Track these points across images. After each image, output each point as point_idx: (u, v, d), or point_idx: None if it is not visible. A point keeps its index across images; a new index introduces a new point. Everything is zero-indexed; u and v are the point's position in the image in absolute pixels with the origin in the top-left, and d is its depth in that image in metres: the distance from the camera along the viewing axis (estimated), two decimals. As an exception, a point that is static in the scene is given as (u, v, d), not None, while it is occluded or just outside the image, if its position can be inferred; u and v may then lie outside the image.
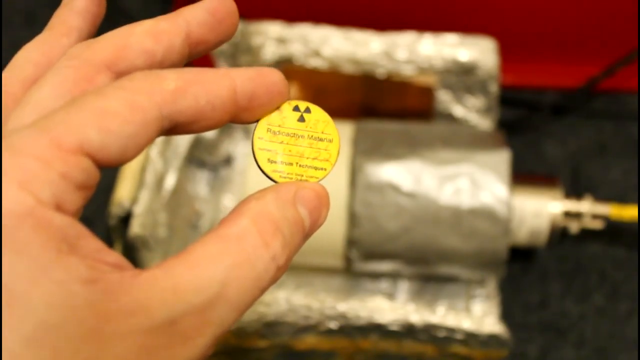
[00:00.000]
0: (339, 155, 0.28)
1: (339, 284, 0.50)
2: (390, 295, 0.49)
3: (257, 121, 0.27)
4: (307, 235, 0.26)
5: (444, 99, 0.51)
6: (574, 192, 0.55)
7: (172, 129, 0.25)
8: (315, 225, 0.26)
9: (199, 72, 0.26)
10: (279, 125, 0.27)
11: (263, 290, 0.24)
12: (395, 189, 0.46)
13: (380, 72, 0.50)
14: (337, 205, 0.47)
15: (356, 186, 0.46)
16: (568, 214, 0.49)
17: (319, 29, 0.50)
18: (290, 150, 0.27)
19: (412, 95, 0.51)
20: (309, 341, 0.47)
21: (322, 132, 0.28)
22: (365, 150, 0.47)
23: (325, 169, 0.28)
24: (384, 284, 0.50)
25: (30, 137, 0.22)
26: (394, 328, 0.46)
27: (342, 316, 0.46)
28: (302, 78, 0.51)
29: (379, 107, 0.52)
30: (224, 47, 0.51)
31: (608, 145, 0.59)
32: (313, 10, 0.55)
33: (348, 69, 0.50)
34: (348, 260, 0.48)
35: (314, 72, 0.51)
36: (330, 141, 0.28)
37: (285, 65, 0.51)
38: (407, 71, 0.50)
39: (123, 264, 0.23)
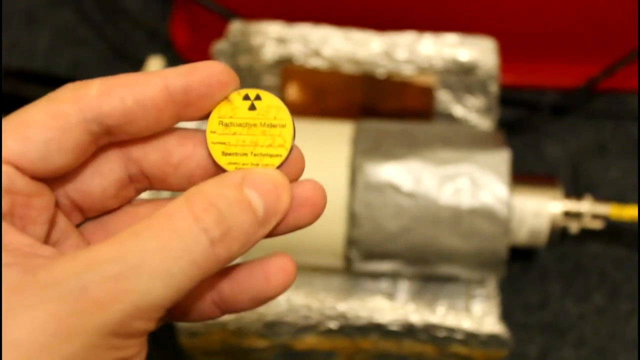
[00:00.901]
0: (294, 139, 0.27)
1: (339, 284, 0.50)
2: (390, 295, 0.49)
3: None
4: (263, 219, 0.26)
5: (444, 99, 0.51)
6: (574, 192, 0.55)
7: (109, 132, 0.26)
8: (273, 209, 0.26)
9: (129, 75, 0.26)
10: (230, 117, 0.27)
11: (199, 265, 0.24)
12: (395, 189, 0.46)
13: (380, 72, 0.50)
14: (337, 205, 0.47)
15: (356, 186, 0.46)
16: (568, 214, 0.49)
17: (319, 29, 0.50)
18: (243, 141, 0.27)
19: (412, 95, 0.51)
20: (309, 341, 0.47)
21: (275, 118, 0.27)
22: (365, 150, 0.47)
23: (280, 155, 0.27)
24: (384, 284, 0.50)
25: None
26: (394, 328, 0.46)
27: (342, 316, 0.46)
28: (302, 78, 0.51)
29: (379, 107, 0.52)
30: (224, 46, 0.51)
31: (608, 145, 0.59)
32: (313, 10, 0.55)
33: (348, 69, 0.50)
34: (348, 260, 0.48)
35: (314, 72, 0.51)
36: (284, 126, 0.27)
37: (285, 65, 0.51)
38: (407, 71, 0.50)
39: (55, 256, 0.24)
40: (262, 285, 0.27)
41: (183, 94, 0.26)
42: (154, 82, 0.26)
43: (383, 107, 0.52)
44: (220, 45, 0.51)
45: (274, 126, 0.27)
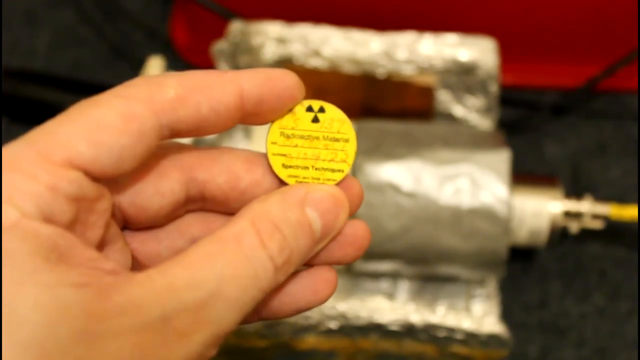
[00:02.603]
0: (357, 154, 0.27)
1: (339, 284, 0.50)
2: (390, 295, 0.49)
3: (270, 123, 0.27)
4: (319, 239, 0.26)
5: (444, 99, 0.51)
6: (574, 192, 0.55)
7: (175, 135, 0.25)
8: (330, 228, 0.26)
9: (204, 77, 0.25)
10: (292, 128, 0.27)
11: (263, 291, 0.24)
12: (395, 188, 0.46)
13: (380, 72, 0.50)
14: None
15: (356, 186, 0.46)
16: (568, 214, 0.49)
17: (319, 29, 0.50)
18: (305, 153, 0.27)
19: (412, 95, 0.51)
20: (309, 341, 0.47)
21: (338, 132, 0.27)
22: (365, 150, 0.47)
23: (342, 171, 0.27)
24: (384, 284, 0.50)
25: (18, 151, 0.22)
26: (394, 328, 0.46)
27: (342, 316, 0.46)
28: (302, 78, 0.51)
29: (379, 107, 0.52)
30: (224, 46, 0.51)
31: (608, 145, 0.59)
32: (313, 10, 0.55)
33: (348, 69, 0.50)
34: (348, 260, 0.48)
35: (314, 72, 0.51)
36: (347, 141, 0.27)
37: (285, 65, 0.51)
38: (407, 71, 0.50)
39: (120, 271, 0.23)
40: (310, 296, 0.27)
41: (255, 105, 0.26)
42: (230, 88, 0.25)
43: (383, 107, 0.52)
44: (220, 45, 0.51)
45: (337, 140, 0.27)
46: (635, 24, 0.56)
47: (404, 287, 0.50)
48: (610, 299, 0.53)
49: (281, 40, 0.50)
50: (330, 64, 0.50)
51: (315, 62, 0.50)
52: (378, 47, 0.50)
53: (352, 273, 0.50)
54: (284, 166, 0.27)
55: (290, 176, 0.27)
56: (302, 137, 0.27)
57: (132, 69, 0.60)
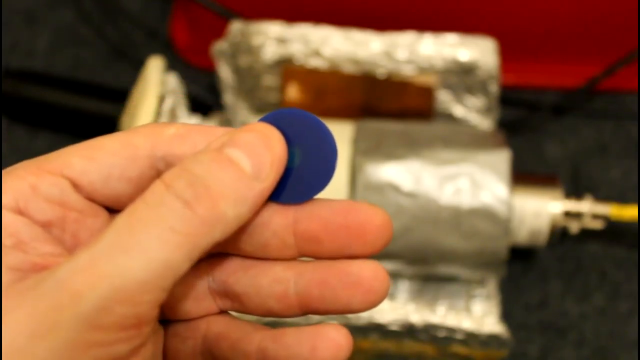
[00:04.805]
0: None
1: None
2: (391, 295, 0.49)
3: None
4: (254, 173, 0.24)
5: (444, 99, 0.51)
6: (574, 192, 0.55)
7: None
8: (263, 159, 0.24)
9: (207, 126, 0.26)
10: None
11: (178, 231, 0.23)
12: (395, 189, 0.46)
13: (380, 72, 0.50)
14: (337, 205, 0.47)
15: (356, 186, 0.46)
16: (568, 214, 0.49)
17: (319, 29, 0.50)
18: None
19: (412, 95, 0.51)
20: (309, 341, 0.47)
21: None
22: (365, 150, 0.47)
23: None
24: (384, 284, 0.50)
25: (23, 164, 0.26)
26: (394, 328, 0.46)
27: (342, 316, 0.46)
28: (302, 78, 0.51)
29: (379, 107, 0.52)
30: (224, 46, 0.51)
31: (608, 145, 0.59)
32: (313, 10, 0.55)
33: (348, 69, 0.50)
34: (348, 260, 0.48)
35: (314, 72, 0.51)
36: None
37: (285, 65, 0.51)
38: (407, 71, 0.50)
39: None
40: (306, 353, 0.24)
41: None
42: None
43: (383, 107, 0.52)
44: (220, 45, 0.51)
45: None
46: (635, 24, 0.56)
47: (404, 287, 0.50)
48: (610, 299, 0.53)
49: (281, 40, 0.50)
50: (330, 64, 0.50)
51: (315, 62, 0.50)
52: (378, 47, 0.50)
53: (352, 273, 0.50)
54: None
55: None
56: None
57: (132, 69, 0.60)
